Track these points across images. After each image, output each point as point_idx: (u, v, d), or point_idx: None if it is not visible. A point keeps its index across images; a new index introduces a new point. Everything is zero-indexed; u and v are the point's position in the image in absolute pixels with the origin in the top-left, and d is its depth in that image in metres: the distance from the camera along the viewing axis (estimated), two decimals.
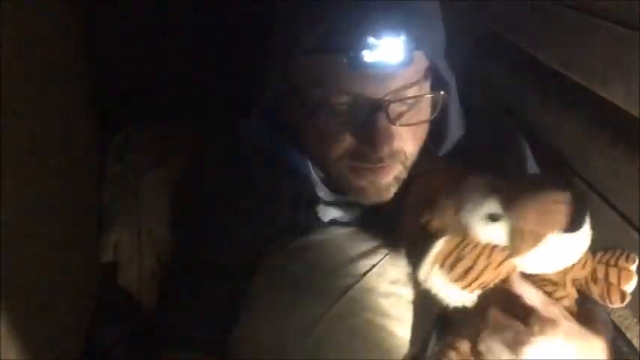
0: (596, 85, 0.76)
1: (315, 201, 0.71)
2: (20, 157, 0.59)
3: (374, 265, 0.68)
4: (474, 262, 0.59)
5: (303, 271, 0.69)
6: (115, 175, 0.93)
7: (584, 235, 0.58)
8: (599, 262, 0.65)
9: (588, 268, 0.65)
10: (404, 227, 0.65)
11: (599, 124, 0.83)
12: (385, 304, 0.67)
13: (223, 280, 0.71)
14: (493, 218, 0.58)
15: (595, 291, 0.65)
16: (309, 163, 0.70)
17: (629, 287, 0.64)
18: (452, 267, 0.59)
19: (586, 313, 0.66)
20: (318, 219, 0.72)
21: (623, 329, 0.81)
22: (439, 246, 0.58)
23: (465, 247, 0.59)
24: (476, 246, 0.59)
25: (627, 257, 0.65)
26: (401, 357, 0.67)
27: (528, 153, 0.76)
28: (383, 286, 0.66)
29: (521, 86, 1.07)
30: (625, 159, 0.77)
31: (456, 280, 0.60)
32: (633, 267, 0.64)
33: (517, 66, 1.07)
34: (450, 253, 0.59)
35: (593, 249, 0.85)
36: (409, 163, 0.63)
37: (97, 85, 1.01)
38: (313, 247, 0.71)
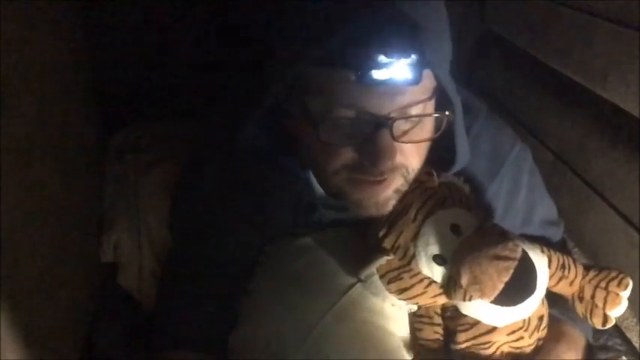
0: (596, 85, 0.76)
1: (315, 202, 0.70)
2: (20, 157, 0.59)
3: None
4: (411, 286, 0.63)
5: (303, 272, 0.69)
6: (115, 175, 0.93)
7: (520, 308, 0.58)
8: (589, 281, 0.65)
9: (576, 287, 0.65)
10: (370, 228, 0.66)
11: (599, 124, 0.83)
12: (384, 304, 0.67)
13: (223, 280, 0.71)
14: (438, 261, 0.60)
15: (579, 309, 0.65)
16: (309, 170, 0.70)
17: (615, 312, 0.63)
18: (389, 282, 0.64)
19: (552, 334, 0.67)
20: (319, 219, 0.72)
21: (623, 329, 0.81)
22: (381, 262, 0.63)
23: (406, 271, 0.62)
24: (416, 275, 0.62)
25: (620, 282, 0.63)
26: (399, 357, 0.67)
27: (529, 159, 0.75)
28: (382, 287, 0.66)
29: (522, 86, 1.07)
30: (625, 159, 0.77)
31: (392, 293, 0.65)
32: (624, 293, 0.63)
33: (517, 66, 1.08)
34: (390, 271, 0.63)
35: (594, 251, 0.85)
36: (411, 177, 0.62)
37: (97, 85, 1.01)
38: (313, 248, 0.71)
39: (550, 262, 0.63)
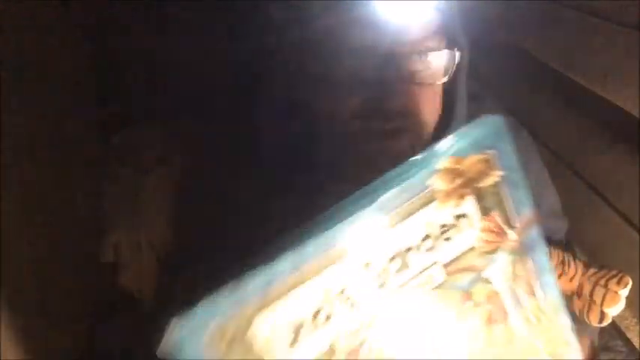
0: (596, 85, 0.76)
1: (319, 197, 0.70)
2: (20, 157, 0.59)
3: None
4: None
5: None
6: (115, 175, 0.93)
7: None
8: (588, 278, 0.64)
9: (576, 282, 0.65)
10: None
11: (599, 124, 0.83)
12: None
13: (224, 280, 0.71)
14: None
15: (576, 306, 0.65)
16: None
17: (613, 310, 0.63)
18: None
19: None
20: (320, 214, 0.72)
21: (623, 329, 0.81)
22: None
23: None
24: None
25: (619, 280, 0.63)
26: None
27: (536, 148, 0.75)
28: None
29: (522, 86, 1.07)
30: (625, 159, 0.77)
31: None
32: (623, 291, 0.63)
33: (517, 66, 1.07)
34: None
35: (594, 251, 0.85)
36: (424, 133, 0.61)
37: (97, 85, 1.01)
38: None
39: (550, 258, 0.63)
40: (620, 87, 0.70)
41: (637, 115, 0.67)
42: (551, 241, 0.67)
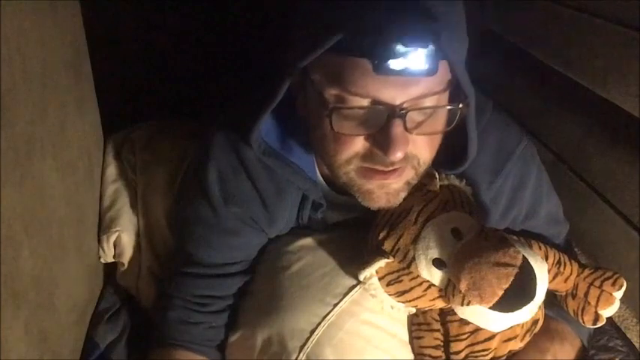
0: (596, 85, 0.76)
1: (319, 202, 0.70)
2: (20, 156, 0.59)
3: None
4: (410, 289, 0.63)
5: (305, 273, 0.69)
6: (115, 175, 0.93)
7: (519, 314, 0.58)
8: (584, 279, 0.64)
9: (571, 283, 0.65)
10: (371, 229, 0.66)
11: (599, 124, 0.83)
12: (384, 306, 0.66)
13: (224, 281, 0.71)
14: (438, 265, 0.60)
15: (570, 306, 0.65)
16: (315, 164, 0.69)
17: (607, 312, 0.63)
18: (388, 284, 0.64)
19: (547, 332, 0.67)
20: (321, 220, 0.72)
21: (623, 329, 0.81)
22: (381, 264, 0.62)
23: (405, 274, 0.62)
24: (415, 278, 0.62)
25: (614, 282, 0.63)
26: (400, 358, 0.67)
27: (536, 155, 0.74)
28: (382, 289, 0.66)
29: (522, 86, 1.07)
30: (625, 159, 0.77)
31: (391, 295, 0.64)
32: (617, 293, 0.63)
33: (517, 66, 1.07)
34: (389, 273, 0.63)
35: (594, 251, 0.85)
36: (422, 169, 0.62)
37: (97, 84, 1.01)
38: (314, 249, 0.71)
39: (546, 258, 0.63)
40: (620, 87, 0.70)
41: (637, 115, 0.67)
42: (548, 242, 0.67)
